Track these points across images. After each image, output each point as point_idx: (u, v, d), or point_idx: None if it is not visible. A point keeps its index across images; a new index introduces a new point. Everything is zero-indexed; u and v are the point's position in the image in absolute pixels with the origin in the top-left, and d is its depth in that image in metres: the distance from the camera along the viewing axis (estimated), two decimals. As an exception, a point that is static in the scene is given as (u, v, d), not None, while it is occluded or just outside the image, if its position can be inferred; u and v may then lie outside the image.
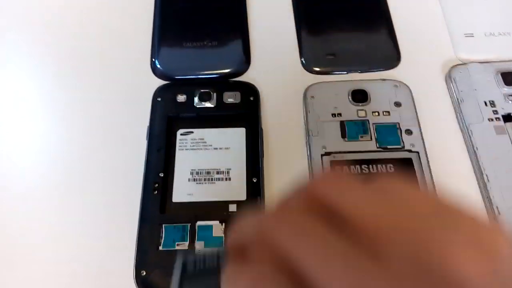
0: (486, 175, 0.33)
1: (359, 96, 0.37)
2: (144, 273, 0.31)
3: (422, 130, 0.35)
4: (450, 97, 0.37)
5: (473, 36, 0.40)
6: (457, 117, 0.36)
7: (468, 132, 0.35)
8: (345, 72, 0.39)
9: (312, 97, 0.37)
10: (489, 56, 0.39)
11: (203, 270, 0.18)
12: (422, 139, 0.35)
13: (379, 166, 0.34)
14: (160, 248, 0.31)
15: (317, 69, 0.39)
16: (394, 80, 0.38)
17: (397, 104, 0.36)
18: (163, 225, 0.32)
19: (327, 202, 0.13)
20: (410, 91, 0.37)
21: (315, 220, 0.12)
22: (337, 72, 0.39)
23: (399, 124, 0.35)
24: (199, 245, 0.31)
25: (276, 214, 0.14)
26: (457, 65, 0.38)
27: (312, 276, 0.11)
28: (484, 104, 0.36)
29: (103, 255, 0.32)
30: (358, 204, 0.12)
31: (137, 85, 0.39)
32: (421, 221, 0.11)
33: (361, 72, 0.39)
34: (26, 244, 0.33)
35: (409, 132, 0.35)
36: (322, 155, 0.34)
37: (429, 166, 0.33)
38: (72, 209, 0.34)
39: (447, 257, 0.11)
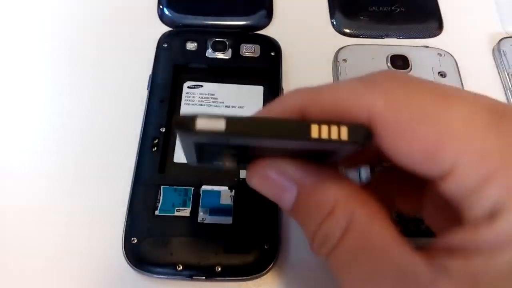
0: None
1: (399, 62, 0.32)
2: (135, 241, 0.25)
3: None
4: (499, 71, 0.33)
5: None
6: (505, 93, 0.32)
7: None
8: (382, 37, 0.34)
9: (345, 60, 0.32)
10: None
11: None
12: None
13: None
14: (157, 212, 0.26)
15: (348, 31, 0.34)
16: (438, 48, 0.33)
17: (442, 75, 0.32)
18: (162, 187, 0.27)
19: None
20: (456, 61, 0.32)
21: None
22: (372, 37, 0.34)
23: (443, 95, 0.31)
24: (203, 213, 0.26)
25: None
26: (508, 37, 0.34)
27: None
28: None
29: (88, 218, 0.27)
30: None
31: (142, 32, 0.34)
32: None
33: (399, 38, 0.34)
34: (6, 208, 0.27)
35: (454, 104, 0.30)
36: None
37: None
38: (59, 161, 0.28)
39: None
